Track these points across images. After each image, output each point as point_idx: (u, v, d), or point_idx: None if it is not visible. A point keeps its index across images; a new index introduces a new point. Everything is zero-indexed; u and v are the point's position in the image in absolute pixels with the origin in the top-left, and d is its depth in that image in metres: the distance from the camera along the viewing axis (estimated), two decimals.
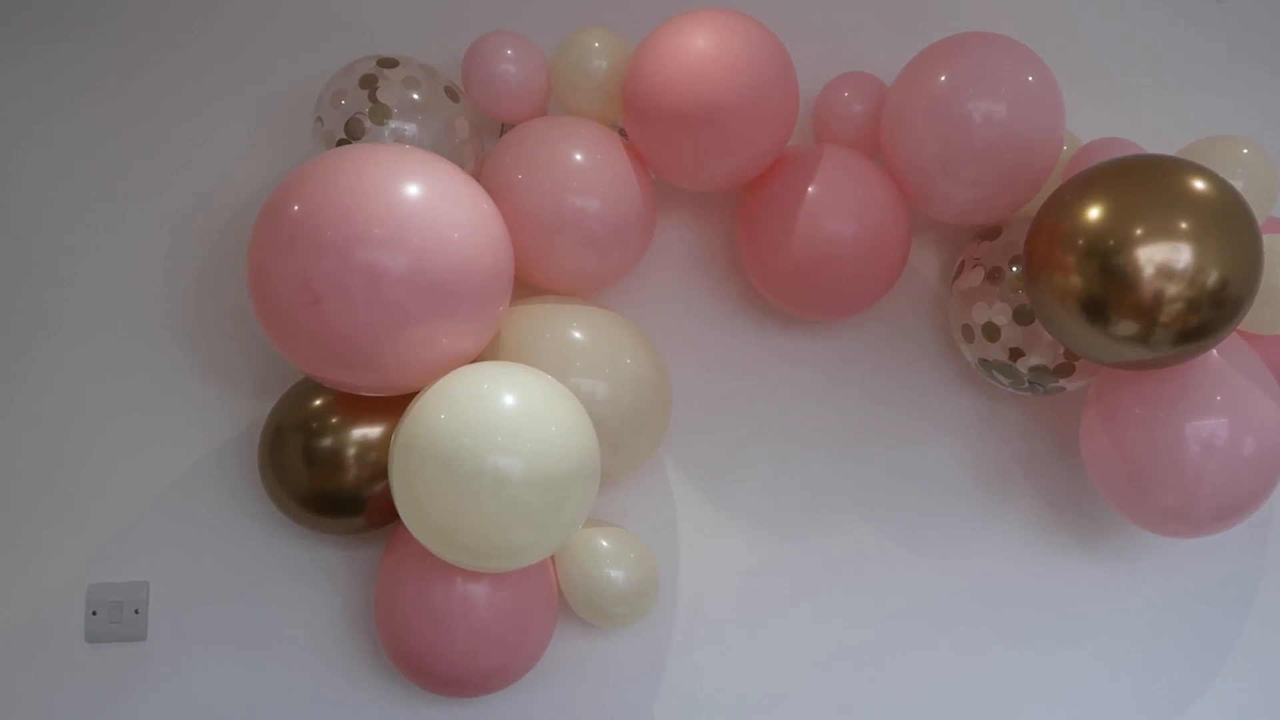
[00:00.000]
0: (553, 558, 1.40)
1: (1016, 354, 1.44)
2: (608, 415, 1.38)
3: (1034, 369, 1.44)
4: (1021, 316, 1.42)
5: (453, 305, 1.22)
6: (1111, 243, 1.19)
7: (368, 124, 1.38)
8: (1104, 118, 1.58)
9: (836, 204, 1.43)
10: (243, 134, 1.60)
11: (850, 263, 1.44)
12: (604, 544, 1.39)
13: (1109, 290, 1.19)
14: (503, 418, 1.18)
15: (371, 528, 1.43)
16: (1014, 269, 1.44)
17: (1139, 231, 1.18)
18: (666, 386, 1.47)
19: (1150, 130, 1.51)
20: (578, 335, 1.41)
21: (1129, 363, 1.27)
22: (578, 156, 1.41)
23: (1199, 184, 1.18)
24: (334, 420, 1.38)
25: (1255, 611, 1.58)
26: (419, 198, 1.21)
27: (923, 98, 1.41)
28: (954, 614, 1.58)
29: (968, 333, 1.50)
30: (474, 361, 1.30)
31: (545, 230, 1.40)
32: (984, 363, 1.50)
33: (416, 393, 1.26)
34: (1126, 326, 1.20)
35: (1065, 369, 1.43)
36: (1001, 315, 1.44)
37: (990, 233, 1.52)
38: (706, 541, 1.56)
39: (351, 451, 1.37)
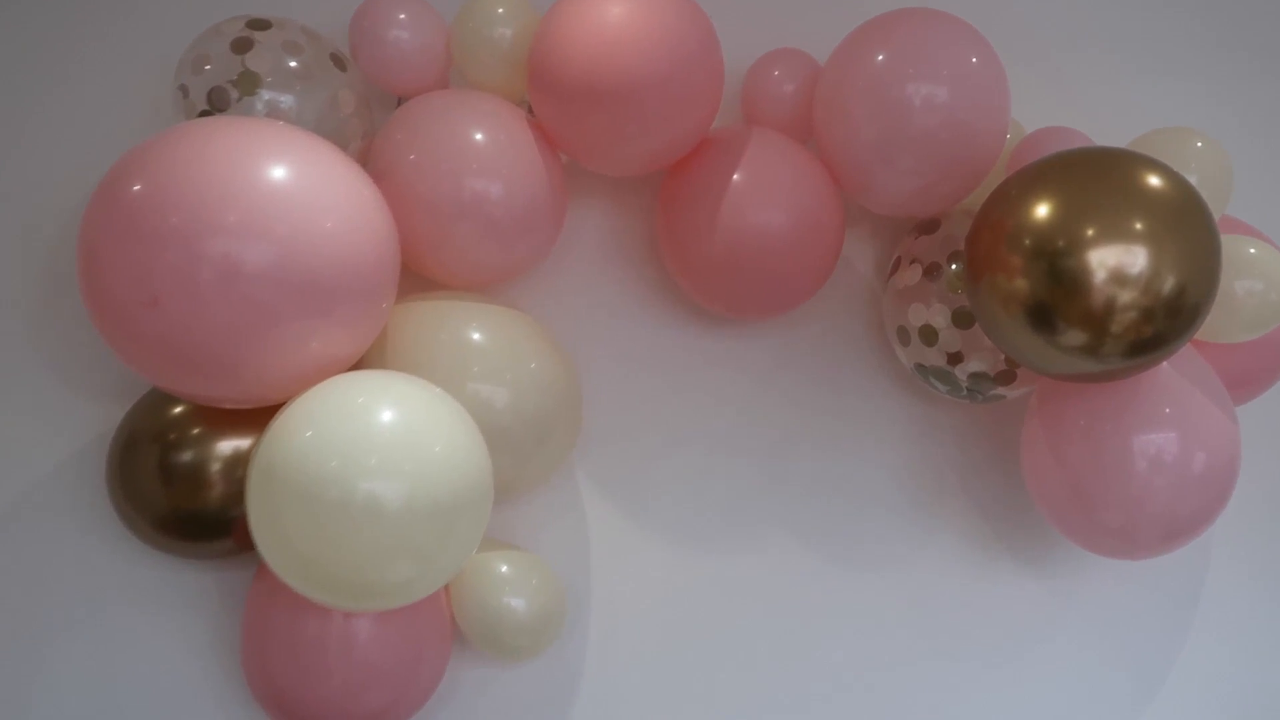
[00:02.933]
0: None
1: (955, 359, 1.33)
2: (510, 424, 1.25)
3: (973, 376, 1.34)
4: (961, 319, 1.31)
5: (325, 303, 1.06)
6: (1061, 244, 1.08)
7: (234, 94, 1.21)
8: (1050, 105, 1.47)
9: (764, 192, 1.30)
10: (100, 108, 1.41)
11: (779, 257, 1.31)
12: (503, 569, 1.25)
13: (1057, 296, 1.09)
14: (379, 436, 1.03)
15: (244, 550, 1.27)
16: (954, 267, 1.33)
17: (1091, 232, 1.07)
18: (576, 391, 1.33)
19: (1098, 120, 1.41)
20: (476, 336, 1.27)
21: (1075, 375, 1.17)
22: (478, 135, 1.26)
23: (1155, 181, 1.08)
24: (196, 430, 1.22)
25: (1197, 631, 1.50)
26: (286, 180, 1.04)
27: (859, 79, 1.28)
28: (888, 633, 1.47)
29: (903, 335, 1.38)
30: (352, 369, 1.14)
31: (442, 217, 1.24)
32: (920, 368, 1.39)
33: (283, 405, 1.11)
34: (1074, 336, 1.10)
35: (1006, 376, 1.33)
36: (940, 317, 1.33)
37: (929, 226, 1.41)
38: (621, 561, 1.43)
39: (216, 466, 1.21)
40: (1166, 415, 1.21)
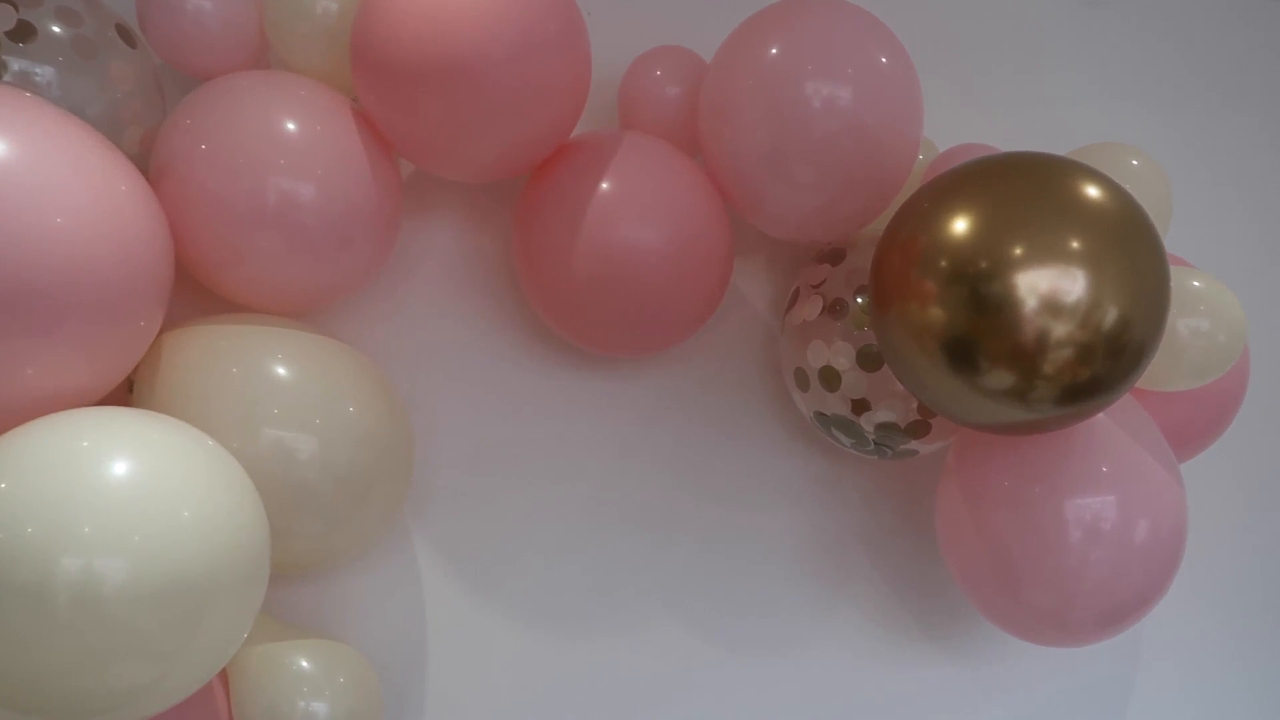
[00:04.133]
0: (224, 680, 0.98)
1: (860, 407, 1.13)
2: (317, 479, 1.00)
3: (881, 427, 1.14)
4: (867, 360, 1.12)
5: (45, 319, 0.81)
6: (984, 265, 0.89)
7: None
8: (963, 121, 1.30)
9: (637, 203, 1.09)
10: None
11: (654, 281, 1.10)
12: (300, 664, 0.99)
13: (979, 327, 0.89)
14: (101, 495, 0.77)
15: None
16: (859, 300, 1.14)
17: (1018, 251, 0.88)
18: (405, 440, 1.09)
19: (1019, 138, 1.24)
20: (279, 370, 1.02)
21: (1000, 425, 0.98)
22: (288, 124, 1.02)
23: (1094, 192, 0.90)
24: None
25: None
26: (3, 158, 0.79)
27: (748, 75, 1.09)
28: None
29: (801, 378, 1.18)
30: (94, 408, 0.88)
31: (238, 222, 1.00)
32: (821, 416, 1.18)
33: None
34: (999, 377, 0.91)
35: (919, 428, 1.13)
36: (843, 358, 1.13)
37: (833, 255, 1.22)
38: (461, 652, 1.17)
39: None
40: (1104, 475, 1.03)
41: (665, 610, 1.25)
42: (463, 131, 1.02)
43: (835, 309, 1.15)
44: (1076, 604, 1.04)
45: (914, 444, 1.15)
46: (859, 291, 1.14)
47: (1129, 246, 0.88)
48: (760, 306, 1.33)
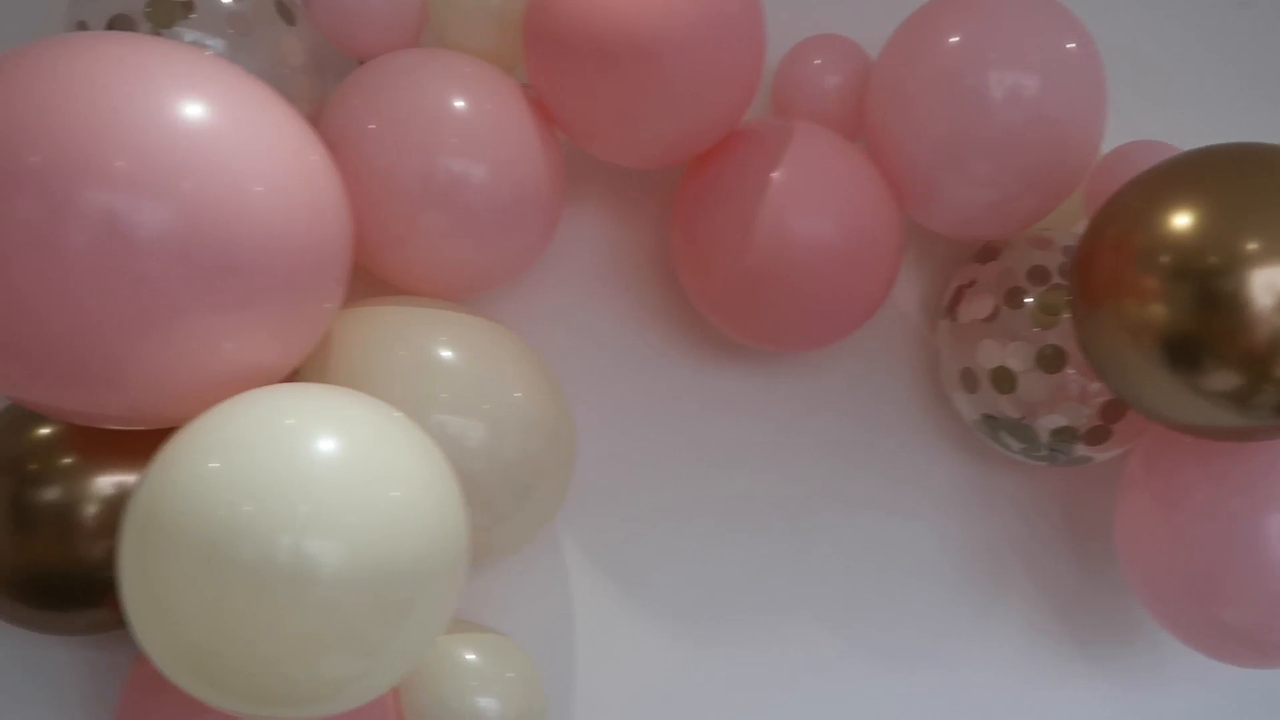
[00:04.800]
0: None
1: (1036, 410, 1.08)
2: (485, 471, 0.97)
3: (1057, 432, 1.09)
4: (1047, 361, 1.07)
5: (245, 292, 0.78)
6: (1213, 261, 0.84)
7: (144, 28, 0.94)
8: (1132, 120, 1.25)
9: (814, 195, 1.05)
10: None
11: (831, 275, 1.06)
12: (470, 658, 0.96)
13: (1208, 326, 0.85)
14: (313, 475, 0.74)
15: (120, 624, 0.96)
16: (1028, 299, 1.09)
17: (1252, 246, 0.83)
18: (570, 432, 1.05)
19: (1190, 137, 1.20)
20: (447, 354, 0.99)
21: (1207, 429, 0.93)
22: (459, 103, 0.99)
23: None
24: (64, 461, 0.92)
25: None
26: (203, 121, 0.77)
27: (927, 64, 1.05)
28: None
29: (969, 379, 1.13)
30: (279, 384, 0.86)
31: (407, 203, 0.97)
32: (989, 420, 1.14)
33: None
34: (1225, 378, 0.86)
35: (1098, 434, 1.08)
36: (1019, 359, 1.08)
37: (987, 254, 1.18)
38: (613, 649, 1.14)
39: (90, 510, 0.91)
40: None
41: (810, 618, 1.21)
42: (643, 115, 0.99)
43: (1011, 302, 1.10)
44: (1274, 625, 0.98)
45: (1088, 451, 1.10)
46: (1035, 291, 1.10)
47: None
48: (908, 306, 1.28)
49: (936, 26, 1.06)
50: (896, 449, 1.25)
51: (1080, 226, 1.21)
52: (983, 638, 1.23)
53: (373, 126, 0.98)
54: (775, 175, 1.05)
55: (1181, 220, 0.87)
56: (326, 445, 0.75)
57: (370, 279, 1.04)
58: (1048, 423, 1.08)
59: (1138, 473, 1.06)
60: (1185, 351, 0.86)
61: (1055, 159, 1.05)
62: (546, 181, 1.02)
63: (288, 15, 1.05)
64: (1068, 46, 1.04)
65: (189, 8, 0.95)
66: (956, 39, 1.04)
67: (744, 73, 1.02)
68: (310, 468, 0.74)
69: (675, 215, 1.14)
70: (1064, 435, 1.09)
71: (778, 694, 1.18)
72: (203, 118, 0.76)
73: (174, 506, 0.72)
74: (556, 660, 1.11)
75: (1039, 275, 1.10)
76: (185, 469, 0.73)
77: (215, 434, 0.75)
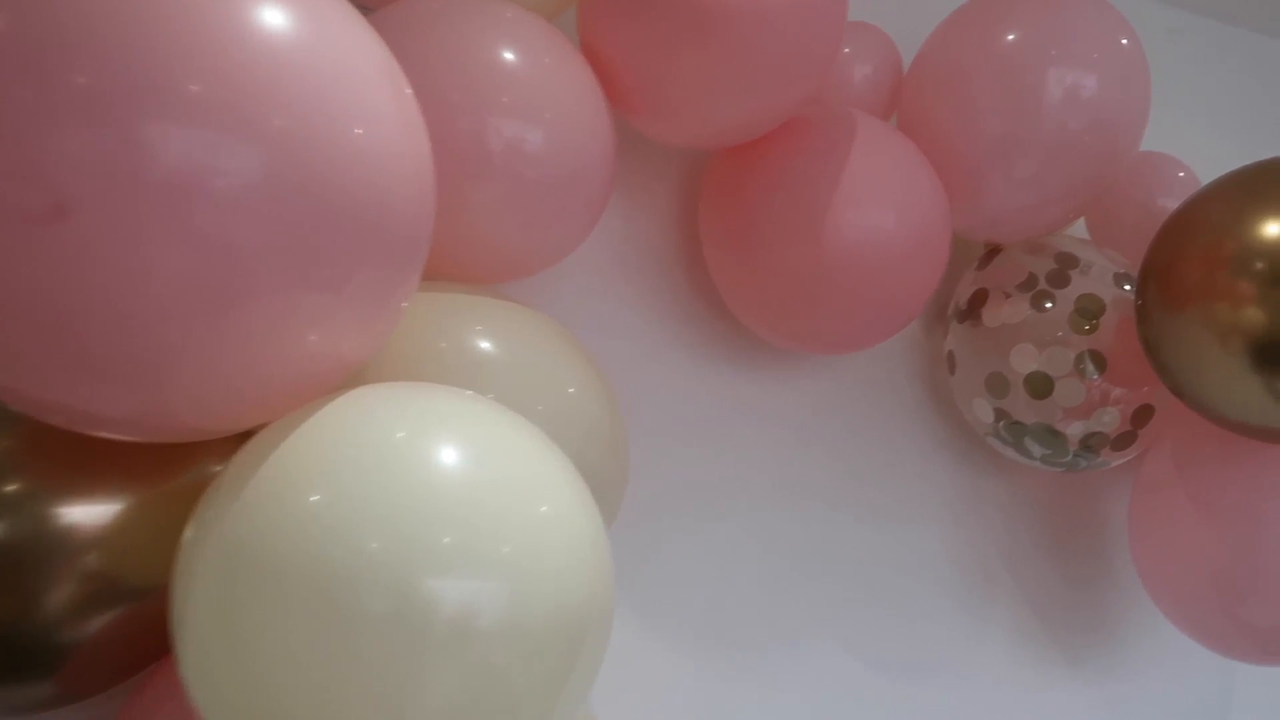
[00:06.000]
0: None
1: (1071, 416, 1.07)
2: None
3: (1087, 438, 1.08)
4: (1087, 366, 1.06)
5: (344, 265, 0.61)
6: None
7: None
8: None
9: (876, 189, 0.99)
10: None
11: (889, 271, 1.00)
12: None
13: None
14: (450, 497, 0.58)
15: (70, 700, 0.74)
16: (1049, 305, 1.08)
17: None
18: (624, 436, 0.93)
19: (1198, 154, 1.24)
20: (491, 347, 0.84)
21: (1255, 427, 0.95)
22: (508, 54, 0.85)
23: None
24: (15, 486, 0.69)
25: None
26: (292, 43, 0.59)
27: (986, 59, 1.02)
28: None
29: (998, 386, 1.11)
30: (345, 389, 0.68)
31: (456, 169, 0.82)
32: (1013, 427, 1.12)
33: (240, 437, 0.63)
34: None
35: (1125, 439, 1.09)
36: (1058, 363, 1.07)
37: (993, 257, 1.17)
38: (625, 667, 1.02)
39: (46, 551, 0.69)
40: None
41: (805, 622, 1.14)
42: (730, 89, 0.89)
43: (1037, 310, 1.09)
44: None
45: (1111, 456, 1.11)
46: (1058, 294, 1.09)
47: None
48: None
49: (989, 20, 1.03)
50: (894, 455, 1.22)
51: (1076, 230, 1.22)
52: (979, 644, 1.21)
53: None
54: (835, 165, 0.98)
55: (1272, 228, 0.88)
56: (453, 458, 0.60)
57: None
58: (1080, 429, 1.08)
59: (1166, 475, 1.07)
60: (1273, 354, 0.87)
61: (1100, 164, 1.04)
62: (603, 155, 0.90)
63: None
64: (1123, 43, 1.03)
65: None
66: (1014, 35, 1.01)
67: (827, 45, 0.94)
68: (445, 488, 0.58)
69: (708, 203, 1.04)
70: (1096, 440, 1.08)
71: (771, 694, 1.10)
72: (294, 36, 0.58)
73: (269, 546, 0.54)
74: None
75: (1058, 278, 1.10)
76: (278, 502, 0.56)
77: (303, 458, 0.58)
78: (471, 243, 0.86)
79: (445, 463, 0.59)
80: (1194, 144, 1.45)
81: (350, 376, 0.68)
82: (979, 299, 1.14)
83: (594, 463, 0.86)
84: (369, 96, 0.62)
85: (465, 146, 0.82)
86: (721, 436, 1.11)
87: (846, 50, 1.12)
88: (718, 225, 1.03)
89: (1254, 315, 0.87)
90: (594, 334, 1.02)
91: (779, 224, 0.98)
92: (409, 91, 0.67)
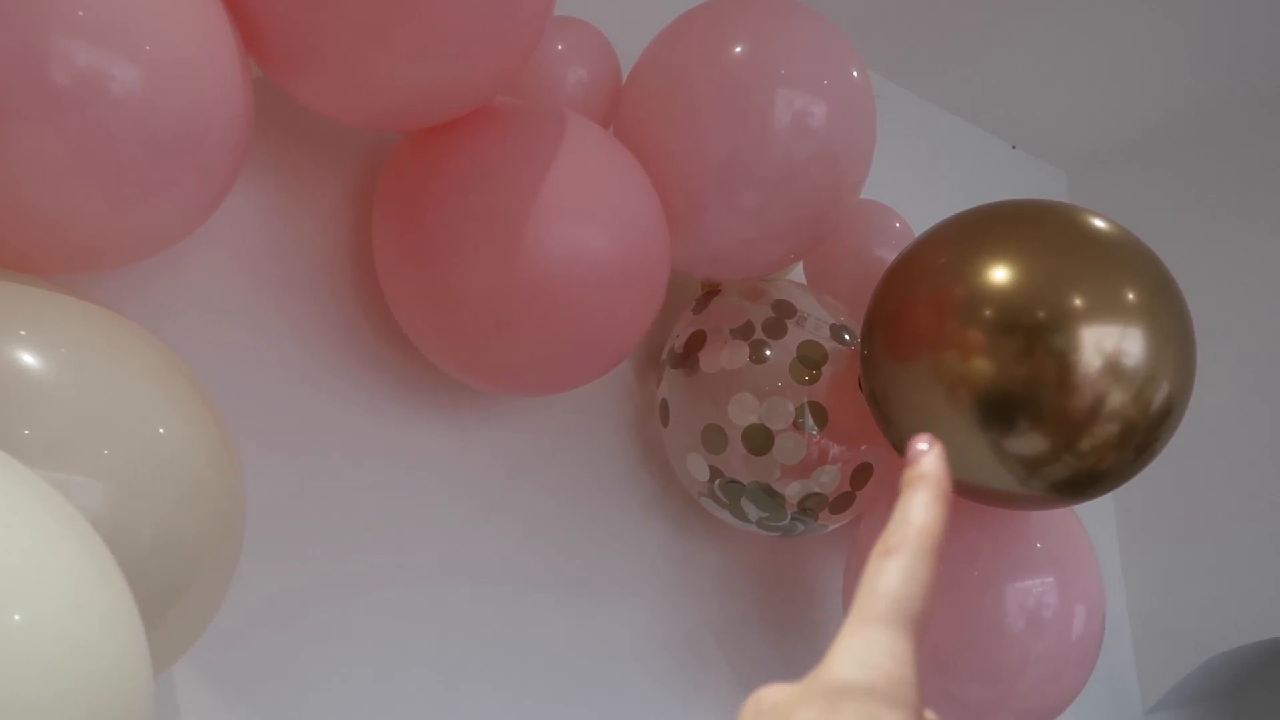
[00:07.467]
0: None
1: (794, 474, 0.96)
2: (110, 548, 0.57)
3: (808, 499, 0.98)
4: (808, 420, 0.95)
5: None
6: (1041, 315, 0.79)
7: None
8: None
9: (588, 201, 0.83)
10: None
11: (601, 296, 0.83)
12: None
13: (1032, 384, 0.78)
14: None
15: None
16: (769, 352, 0.98)
17: (1078, 303, 0.79)
18: (239, 493, 0.68)
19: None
20: (38, 363, 0.59)
21: (982, 492, 0.87)
22: None
23: (1125, 240, 0.83)
24: None
25: None
26: None
27: (712, 71, 0.91)
28: None
29: (714, 439, 0.98)
30: None
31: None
32: (729, 486, 0.99)
33: None
34: (1032, 442, 0.80)
35: (843, 501, 0.99)
36: (778, 415, 0.96)
37: (708, 300, 1.06)
38: None
39: None
40: (1039, 553, 0.97)
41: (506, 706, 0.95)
42: (385, 34, 0.69)
43: (756, 361, 0.98)
44: (1010, 702, 0.96)
45: (829, 519, 1.01)
46: (775, 344, 0.99)
47: (1172, 306, 0.82)
48: None
49: (718, 31, 0.92)
50: (599, 517, 1.05)
51: (794, 275, 1.15)
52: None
53: None
54: (540, 167, 0.81)
55: (998, 273, 0.81)
56: None
57: None
58: (798, 490, 0.97)
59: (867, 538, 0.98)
60: (1000, 410, 0.79)
61: (829, 197, 0.95)
62: (229, 114, 0.67)
63: None
64: (853, 74, 0.95)
65: None
66: (741, 49, 0.91)
67: (534, 22, 0.77)
68: None
69: (384, 203, 0.84)
70: (814, 502, 0.98)
71: None
72: None
73: None
74: None
75: (775, 328, 1.00)
76: None
77: None
78: (19, 211, 0.61)
79: None
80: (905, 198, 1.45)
81: None
82: (696, 342, 1.02)
83: (188, 535, 0.62)
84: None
85: (6, 68, 0.57)
86: (386, 499, 0.89)
87: (559, 47, 0.97)
88: (394, 229, 0.83)
89: (982, 366, 0.79)
90: (215, 358, 0.78)
91: (468, 233, 0.79)
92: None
